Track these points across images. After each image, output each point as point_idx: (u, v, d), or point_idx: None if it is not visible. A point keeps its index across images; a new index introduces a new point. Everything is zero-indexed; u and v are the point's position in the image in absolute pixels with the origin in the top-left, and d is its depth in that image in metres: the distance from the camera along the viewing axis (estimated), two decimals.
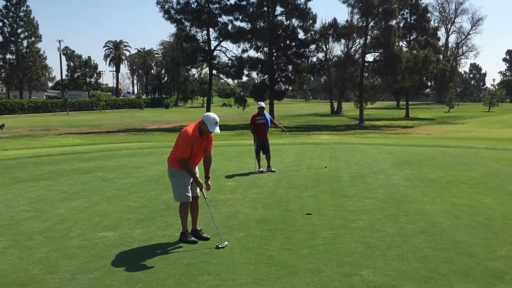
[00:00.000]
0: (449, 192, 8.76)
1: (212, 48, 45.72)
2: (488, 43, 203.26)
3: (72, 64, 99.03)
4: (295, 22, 46.49)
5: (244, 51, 46.86)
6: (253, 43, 45.85)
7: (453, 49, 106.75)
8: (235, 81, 56.20)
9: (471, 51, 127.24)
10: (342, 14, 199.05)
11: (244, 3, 45.11)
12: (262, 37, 44.77)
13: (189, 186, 5.84)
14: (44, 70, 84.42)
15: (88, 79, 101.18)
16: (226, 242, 5.67)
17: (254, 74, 51.35)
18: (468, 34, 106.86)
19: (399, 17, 50.82)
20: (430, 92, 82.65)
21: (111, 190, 9.29)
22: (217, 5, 45.39)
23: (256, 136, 11.77)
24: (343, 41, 52.41)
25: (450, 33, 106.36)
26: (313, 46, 47.44)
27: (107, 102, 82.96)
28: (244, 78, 54.88)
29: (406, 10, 55.19)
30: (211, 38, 45.46)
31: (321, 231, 6.20)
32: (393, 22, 46.26)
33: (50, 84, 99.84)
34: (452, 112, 66.21)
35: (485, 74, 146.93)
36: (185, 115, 61.12)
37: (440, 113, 65.01)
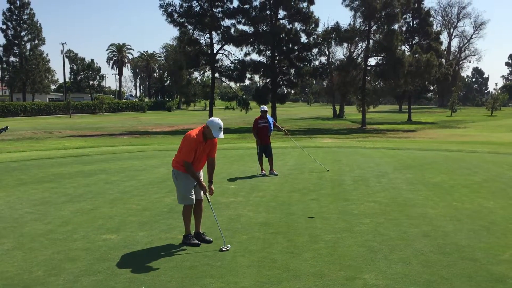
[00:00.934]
0: (452, 196, 8.76)
1: (215, 51, 45.83)
2: (490, 47, 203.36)
3: (75, 67, 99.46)
4: (297, 25, 46.62)
5: (246, 54, 47.00)
6: (255, 46, 45.96)
7: (456, 53, 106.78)
8: (238, 84, 56.25)
9: (474, 55, 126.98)
10: (345, 18, 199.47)
11: (246, 6, 45.22)
12: (264, 41, 44.85)
13: (193, 189, 5.86)
14: (47, 72, 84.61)
15: (91, 82, 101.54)
16: (229, 245, 5.69)
17: (256, 78, 51.55)
18: (471, 38, 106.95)
19: (402, 21, 50.87)
20: (432, 96, 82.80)
21: (114, 193, 9.32)
22: (220, 9, 45.52)
23: (259, 140, 11.80)
24: (345, 44, 52.62)
25: (452, 37, 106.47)
26: (315, 50, 47.55)
27: (109, 105, 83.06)
28: (247, 82, 55.10)
29: (408, 14, 55.22)
30: (214, 42, 45.60)
31: (324, 234, 6.21)
32: (396, 26, 46.38)
33: (53, 87, 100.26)
34: (455, 116, 66.13)
35: (487, 78, 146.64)
36: (187, 118, 61.19)
37: (442, 117, 64.93)
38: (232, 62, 46.95)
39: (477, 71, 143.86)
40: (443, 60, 62.72)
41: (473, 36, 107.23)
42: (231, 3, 45.29)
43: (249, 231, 6.40)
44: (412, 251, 5.48)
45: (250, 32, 45.85)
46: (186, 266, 5.07)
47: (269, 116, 11.99)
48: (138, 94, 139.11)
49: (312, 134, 35.65)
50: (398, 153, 16.90)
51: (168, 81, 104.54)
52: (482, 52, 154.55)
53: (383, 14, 44.41)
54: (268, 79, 46.94)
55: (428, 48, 50.82)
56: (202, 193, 5.93)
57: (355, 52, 51.90)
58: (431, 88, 69.00)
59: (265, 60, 46.75)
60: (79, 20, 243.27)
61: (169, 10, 43.89)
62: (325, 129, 42.55)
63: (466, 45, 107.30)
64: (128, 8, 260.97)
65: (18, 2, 77.24)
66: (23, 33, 78.02)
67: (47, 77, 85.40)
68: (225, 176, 11.33)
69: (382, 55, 46.00)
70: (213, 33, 45.16)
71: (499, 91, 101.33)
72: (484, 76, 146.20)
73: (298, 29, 46.46)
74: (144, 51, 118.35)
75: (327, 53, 66.59)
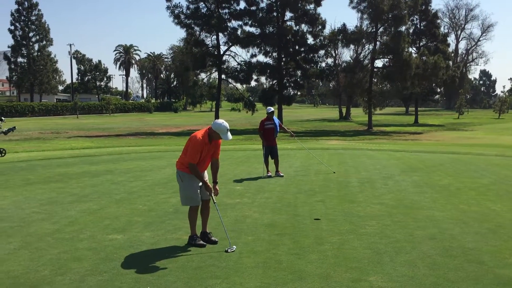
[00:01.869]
0: (459, 198, 8.72)
1: (221, 53, 45.85)
2: (498, 49, 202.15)
3: (82, 67, 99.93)
4: (304, 27, 46.52)
5: (253, 56, 46.96)
6: (262, 48, 45.91)
7: (463, 55, 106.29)
8: (244, 86, 56.30)
9: (481, 58, 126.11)
10: (352, 20, 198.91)
11: (253, 8, 45.23)
12: (271, 42, 44.82)
13: (198, 190, 5.87)
14: (55, 73, 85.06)
15: (98, 83, 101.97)
16: (235, 246, 5.69)
17: (263, 79, 51.44)
18: (478, 40, 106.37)
19: (409, 23, 50.68)
20: (439, 99, 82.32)
21: (120, 193, 9.36)
22: (227, 10, 45.52)
23: (265, 141, 11.79)
24: (352, 46, 52.56)
25: (460, 39, 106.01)
26: (322, 52, 47.39)
27: (116, 105, 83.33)
28: (253, 83, 55.01)
29: (416, 16, 55.08)
30: (221, 43, 45.59)
31: (330, 236, 6.20)
32: (403, 28, 46.24)
33: (60, 88, 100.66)
34: (462, 119, 65.83)
35: (495, 81, 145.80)
36: (194, 119, 61.30)
37: (449, 120, 64.65)
38: (238, 64, 46.96)
39: (485, 74, 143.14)
40: (450, 63, 62.42)
41: (481, 39, 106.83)
42: (238, 4, 45.32)
43: (255, 232, 6.40)
44: (419, 253, 5.46)
45: (257, 33, 45.84)
46: (191, 266, 5.08)
47: (275, 117, 11.99)
48: (144, 95, 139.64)
49: (318, 136, 35.60)
50: (405, 155, 16.84)
51: (175, 82, 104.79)
52: (490, 55, 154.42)
53: (390, 16, 44.30)
54: (275, 81, 46.91)
55: (435, 50, 50.67)
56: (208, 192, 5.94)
57: (362, 54, 51.78)
58: (438, 90, 68.71)
59: (271, 62, 46.71)
60: (86, 21, 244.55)
61: (176, 11, 43.96)
62: (331, 131, 42.48)
63: (473, 47, 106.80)
64: (135, 9, 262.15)
65: (26, 3, 77.69)
66: (31, 34, 78.45)
67: (54, 78, 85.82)
68: (231, 177, 11.34)
69: (389, 57, 45.88)
70: (220, 34, 45.18)
71: (506, 93, 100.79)
72: (492, 79, 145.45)
73: (305, 30, 46.39)
74: (151, 52, 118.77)
75: (334, 55, 66.57)
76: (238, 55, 76.67)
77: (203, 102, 55.44)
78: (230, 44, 45.68)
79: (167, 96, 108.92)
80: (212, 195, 5.89)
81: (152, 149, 20.32)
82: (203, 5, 45.03)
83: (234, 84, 50.08)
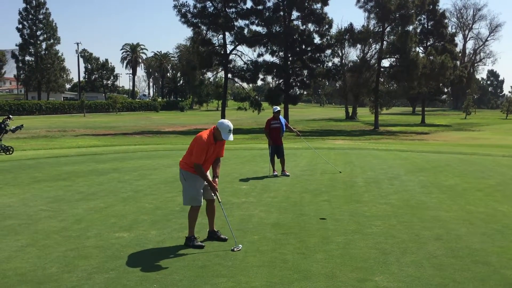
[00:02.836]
0: (465, 199, 8.68)
1: (228, 52, 45.91)
2: (506, 49, 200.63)
3: (89, 66, 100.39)
4: (311, 26, 46.52)
5: (259, 55, 47.00)
6: (268, 47, 45.93)
7: (471, 55, 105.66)
8: (250, 85, 56.25)
9: (489, 58, 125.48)
10: (359, 19, 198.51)
11: (260, 7, 45.24)
12: (277, 42, 44.82)
13: (201, 190, 5.88)
14: (62, 72, 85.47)
15: (105, 82, 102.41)
16: (241, 245, 5.70)
17: (269, 78, 51.54)
18: (486, 40, 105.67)
19: (416, 22, 50.52)
20: (446, 99, 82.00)
21: (127, 192, 9.40)
22: (234, 9, 45.57)
23: (271, 140, 11.79)
24: (359, 46, 52.55)
25: (467, 39, 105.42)
26: (328, 51, 47.37)
27: (123, 104, 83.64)
28: (259, 82, 55.05)
29: (423, 16, 54.91)
30: (227, 42, 45.67)
31: (335, 236, 6.20)
32: (410, 28, 46.10)
33: (67, 86, 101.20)
34: (469, 119, 65.54)
35: (503, 81, 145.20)
36: (200, 118, 61.41)
37: (456, 120, 64.37)
38: (245, 63, 47.00)
39: (492, 74, 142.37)
40: (458, 62, 62.21)
41: (489, 38, 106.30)
42: (245, 3, 45.37)
43: (261, 232, 6.41)
44: (425, 254, 5.45)
45: (264, 33, 45.86)
46: (197, 265, 5.10)
47: (281, 117, 11.99)
48: (151, 94, 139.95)
49: (324, 135, 35.56)
50: (411, 156, 16.79)
51: (181, 81, 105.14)
52: (498, 55, 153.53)
53: (397, 15, 44.18)
54: (281, 80, 46.91)
55: (442, 50, 50.48)
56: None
57: (369, 53, 51.78)
58: (445, 90, 68.47)
59: (278, 61, 46.72)
60: (94, 20, 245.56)
61: (183, 10, 44.08)
62: (337, 131, 42.42)
63: (481, 47, 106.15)
64: (142, 8, 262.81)
65: (34, 1, 78.12)
66: (38, 33, 78.88)
67: (62, 76, 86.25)
68: (237, 177, 11.35)
69: (396, 56, 45.75)
70: (227, 33, 45.25)
71: None
72: (500, 79, 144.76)
73: (312, 30, 46.38)
74: (157, 51, 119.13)
75: (341, 55, 66.50)
76: (245, 54, 76.28)
77: (209, 101, 55.62)
78: (237, 43, 45.74)
79: (174, 95, 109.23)
80: (217, 193, 5.90)
81: (159, 148, 20.38)
82: (210, 4, 45.11)
83: (240, 83, 50.15)
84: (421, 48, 55.00)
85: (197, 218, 5.93)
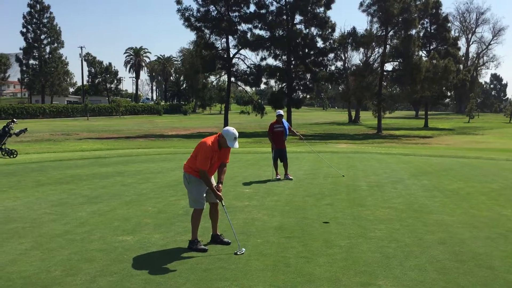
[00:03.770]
0: (469, 203, 8.66)
1: (231, 55, 46.02)
2: (509, 53, 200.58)
3: (93, 70, 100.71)
4: (314, 30, 46.63)
5: (262, 59, 47.15)
6: (271, 51, 46.03)
7: (474, 59, 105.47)
8: (253, 88, 56.41)
9: (492, 61, 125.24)
10: (362, 23, 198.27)
11: (263, 11, 45.37)
12: (280, 45, 44.91)
13: (204, 194, 5.89)
14: (66, 75, 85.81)
15: (108, 85, 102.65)
16: (244, 249, 5.71)
17: (272, 82, 51.57)
18: (489, 44, 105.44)
19: (419, 26, 50.57)
20: (449, 102, 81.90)
21: (130, 195, 9.42)
22: (237, 13, 45.73)
23: (274, 144, 11.79)
24: (362, 50, 52.48)
25: (470, 43, 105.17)
26: (331, 55, 47.49)
27: (126, 108, 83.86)
28: (262, 86, 55.09)
29: (426, 20, 54.87)
30: (230, 46, 45.81)
31: (338, 239, 6.20)
32: (413, 32, 46.17)
33: (71, 90, 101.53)
34: (472, 123, 65.39)
35: (506, 85, 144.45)
36: (203, 122, 61.49)
37: (460, 124, 64.24)
38: (248, 67, 47.11)
39: (496, 78, 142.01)
40: (461, 66, 62.15)
41: (492, 42, 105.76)
42: (248, 8, 45.53)
43: (264, 235, 6.41)
44: (428, 258, 5.44)
45: (267, 36, 45.98)
46: (201, 268, 5.11)
47: (284, 120, 11.99)
48: (154, 98, 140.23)
49: (327, 139, 35.54)
50: (414, 159, 16.77)
51: (184, 84, 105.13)
52: (501, 58, 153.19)
53: (400, 19, 44.22)
54: (284, 84, 46.98)
55: (445, 54, 50.45)
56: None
57: (372, 57, 51.72)
58: (449, 94, 68.31)
59: (281, 65, 46.80)
60: (97, 24, 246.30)
61: (186, 14, 44.24)
62: (340, 134, 42.40)
63: (484, 51, 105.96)
64: (146, 12, 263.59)
65: (38, 5, 78.53)
66: (42, 36, 79.23)
67: (65, 80, 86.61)
68: (240, 180, 11.36)
69: (398, 60, 45.75)
70: (230, 37, 45.40)
71: None
72: (503, 83, 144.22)
73: (315, 34, 46.47)
74: (161, 55, 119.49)
75: (343, 58, 66.63)
76: (248, 58, 76.55)
77: (212, 105, 55.63)
78: (240, 47, 45.85)
79: (177, 98, 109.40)
80: (222, 201, 5.91)
81: (162, 151, 20.41)
82: (214, 8, 45.28)
83: (243, 87, 50.23)
84: (424, 52, 54.97)
85: (201, 222, 5.94)
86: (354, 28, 46.26)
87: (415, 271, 4.99)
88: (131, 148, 23.27)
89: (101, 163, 15.21)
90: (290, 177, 11.62)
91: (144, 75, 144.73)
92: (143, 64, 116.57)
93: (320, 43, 46.76)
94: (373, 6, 45.57)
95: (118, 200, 8.86)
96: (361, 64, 52.17)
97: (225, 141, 5.72)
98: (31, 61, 79.78)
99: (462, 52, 76.30)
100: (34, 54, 79.08)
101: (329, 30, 45.77)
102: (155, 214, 7.71)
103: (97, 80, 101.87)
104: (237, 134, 5.76)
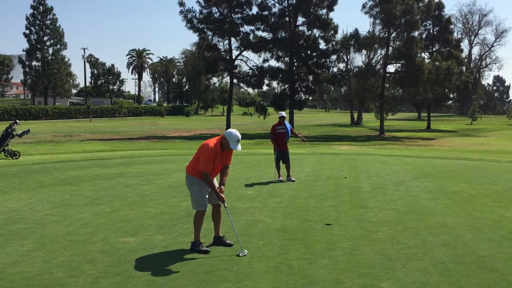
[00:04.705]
0: (472, 205, 8.64)
1: (233, 57, 46.04)
2: None
3: (95, 71, 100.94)
4: (316, 32, 46.60)
5: (265, 60, 47.08)
6: (274, 53, 46.03)
7: (477, 61, 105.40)
8: (256, 90, 56.38)
9: (495, 63, 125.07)
10: (364, 25, 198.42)
11: (266, 13, 45.36)
12: (283, 47, 44.91)
13: (207, 195, 5.89)
14: (69, 77, 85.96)
15: (111, 87, 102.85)
16: (246, 251, 5.70)
17: (274, 84, 51.64)
18: (492, 46, 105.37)
19: (422, 28, 50.49)
20: (452, 104, 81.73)
21: (133, 196, 9.42)
22: (239, 15, 45.72)
23: (276, 146, 11.80)
24: (364, 51, 52.53)
25: (473, 45, 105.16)
26: (334, 57, 47.42)
27: (129, 109, 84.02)
28: (265, 88, 55.09)
29: (429, 22, 54.83)
30: (233, 48, 45.79)
31: (341, 241, 6.19)
32: (416, 33, 46.10)
33: (74, 91, 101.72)
34: (475, 125, 65.25)
35: (509, 87, 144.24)
36: (205, 124, 61.51)
37: (462, 126, 64.13)
38: (250, 68, 47.11)
39: (498, 79, 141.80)
40: (464, 68, 62.04)
41: (495, 44, 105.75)
42: (251, 9, 45.52)
43: (266, 237, 6.40)
44: (431, 260, 5.43)
45: (269, 38, 45.97)
46: (203, 270, 5.10)
47: (287, 122, 12.00)
48: (157, 99, 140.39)
49: (329, 141, 35.51)
50: (417, 161, 16.74)
51: (187, 86, 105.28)
52: (504, 60, 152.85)
53: (402, 21, 44.16)
54: (286, 86, 46.97)
55: (448, 56, 50.36)
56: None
57: (374, 59, 51.71)
58: (451, 96, 68.25)
59: (283, 67, 46.81)
60: (100, 26, 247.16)
61: (189, 16, 44.26)
62: (342, 136, 42.35)
63: (487, 53, 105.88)
64: (148, 14, 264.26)
65: (41, 7, 78.76)
66: (45, 38, 79.43)
67: (68, 81, 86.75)
68: (242, 182, 11.36)
69: (401, 62, 45.72)
70: (232, 39, 45.38)
71: None
72: (506, 85, 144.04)
73: (317, 35, 46.45)
74: (163, 57, 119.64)
75: (346, 60, 66.57)
76: (250, 59, 76.79)
77: (214, 107, 55.67)
78: (242, 48, 45.87)
79: (179, 100, 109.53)
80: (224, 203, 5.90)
81: (164, 153, 20.42)
82: (216, 10, 45.30)
83: (245, 88, 50.25)
84: (427, 53, 54.90)
85: (203, 223, 5.94)
86: (356, 30, 46.41)
87: (418, 273, 4.97)
88: (133, 150, 23.29)
89: (104, 165, 15.23)
90: (293, 179, 11.61)
91: (146, 76, 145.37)
92: (146, 66, 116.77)
93: (322, 45, 46.78)
94: (376, 8, 45.55)
95: (120, 202, 8.86)
96: (363, 66, 52.20)
97: (228, 143, 5.71)
98: (34, 63, 79.97)
99: (464, 54, 76.23)
100: (37, 55, 79.25)
101: (332, 32, 45.73)
102: (158, 215, 7.72)
103: (99, 82, 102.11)
104: (240, 136, 5.74)
